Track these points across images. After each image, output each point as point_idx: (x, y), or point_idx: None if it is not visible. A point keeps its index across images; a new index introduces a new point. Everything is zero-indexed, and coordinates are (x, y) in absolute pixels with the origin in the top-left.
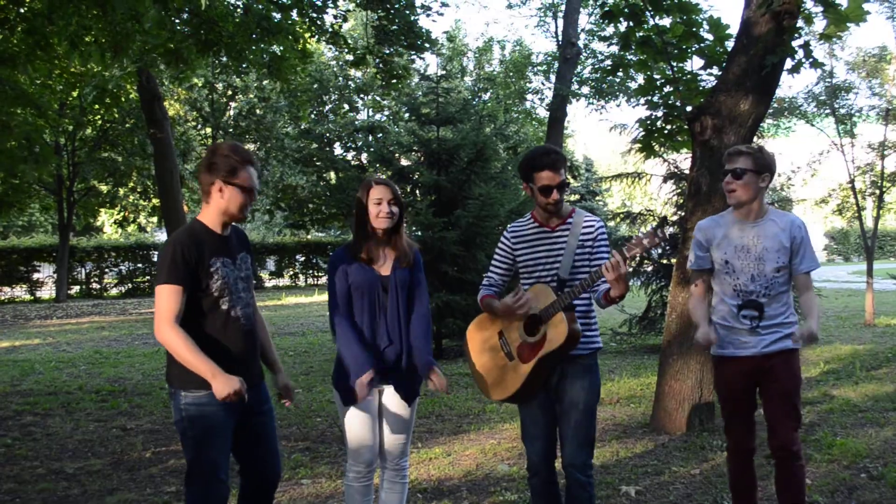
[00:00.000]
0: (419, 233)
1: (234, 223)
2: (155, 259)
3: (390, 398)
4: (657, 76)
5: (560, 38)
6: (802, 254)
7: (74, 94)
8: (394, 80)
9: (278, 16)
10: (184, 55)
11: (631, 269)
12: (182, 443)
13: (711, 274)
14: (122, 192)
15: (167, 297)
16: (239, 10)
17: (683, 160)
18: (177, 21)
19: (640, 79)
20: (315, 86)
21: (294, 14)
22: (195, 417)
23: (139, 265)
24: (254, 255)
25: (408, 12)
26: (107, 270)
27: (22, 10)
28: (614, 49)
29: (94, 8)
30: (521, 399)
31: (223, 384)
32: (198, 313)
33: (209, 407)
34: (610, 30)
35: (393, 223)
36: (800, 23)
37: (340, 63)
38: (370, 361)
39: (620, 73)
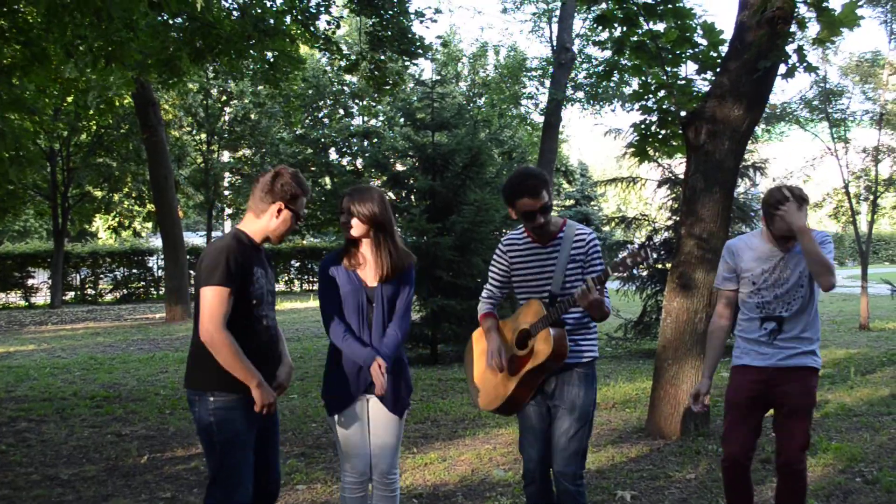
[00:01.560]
0: (413, 238)
1: (271, 243)
2: (150, 265)
3: (376, 410)
4: (651, 81)
5: (554, 43)
6: None
7: (69, 99)
8: (386, 87)
9: (272, 21)
10: (177, 65)
11: (626, 275)
12: (206, 447)
13: (736, 293)
14: (116, 197)
15: (217, 300)
16: (234, 12)
17: (678, 165)
18: (171, 28)
19: (635, 84)
20: (311, 91)
21: (287, 20)
22: (223, 422)
23: (134, 271)
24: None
25: (401, 18)
26: (101, 276)
27: (17, 22)
28: (608, 54)
29: (88, 15)
30: (509, 411)
31: (265, 394)
32: (235, 317)
33: (236, 411)
34: (604, 35)
35: (349, 233)
36: (793, 28)
37: (335, 68)
38: (372, 353)
39: (615, 78)
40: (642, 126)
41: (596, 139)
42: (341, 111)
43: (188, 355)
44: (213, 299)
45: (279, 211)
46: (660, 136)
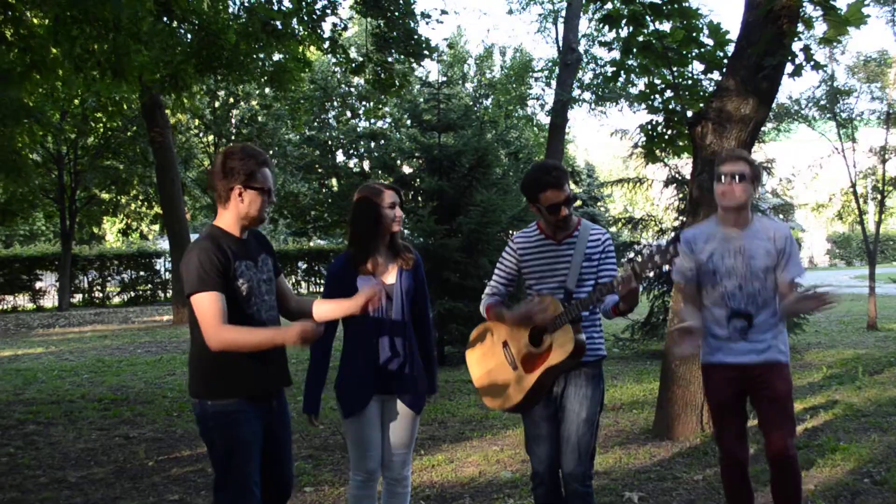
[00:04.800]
0: (421, 239)
1: (252, 227)
2: (157, 267)
3: (394, 408)
4: (658, 81)
5: (560, 43)
6: (786, 262)
7: (76, 102)
8: (392, 89)
9: (279, 24)
10: (182, 77)
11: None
12: (210, 454)
13: (698, 285)
14: (124, 200)
15: (209, 303)
16: (242, 15)
17: (684, 165)
18: (177, 40)
19: (641, 84)
20: (318, 93)
21: (294, 22)
22: (223, 427)
23: (141, 273)
24: (276, 256)
25: (407, 20)
26: (109, 279)
27: (21, 31)
28: (615, 54)
29: (96, 26)
30: (524, 409)
31: (293, 334)
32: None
33: (236, 415)
34: (610, 35)
35: (398, 225)
36: (800, 27)
37: (342, 69)
38: (316, 408)
39: (622, 78)
40: (649, 126)
41: (602, 140)
42: (349, 113)
43: (188, 363)
44: (205, 307)
45: (240, 194)
46: (666, 137)
